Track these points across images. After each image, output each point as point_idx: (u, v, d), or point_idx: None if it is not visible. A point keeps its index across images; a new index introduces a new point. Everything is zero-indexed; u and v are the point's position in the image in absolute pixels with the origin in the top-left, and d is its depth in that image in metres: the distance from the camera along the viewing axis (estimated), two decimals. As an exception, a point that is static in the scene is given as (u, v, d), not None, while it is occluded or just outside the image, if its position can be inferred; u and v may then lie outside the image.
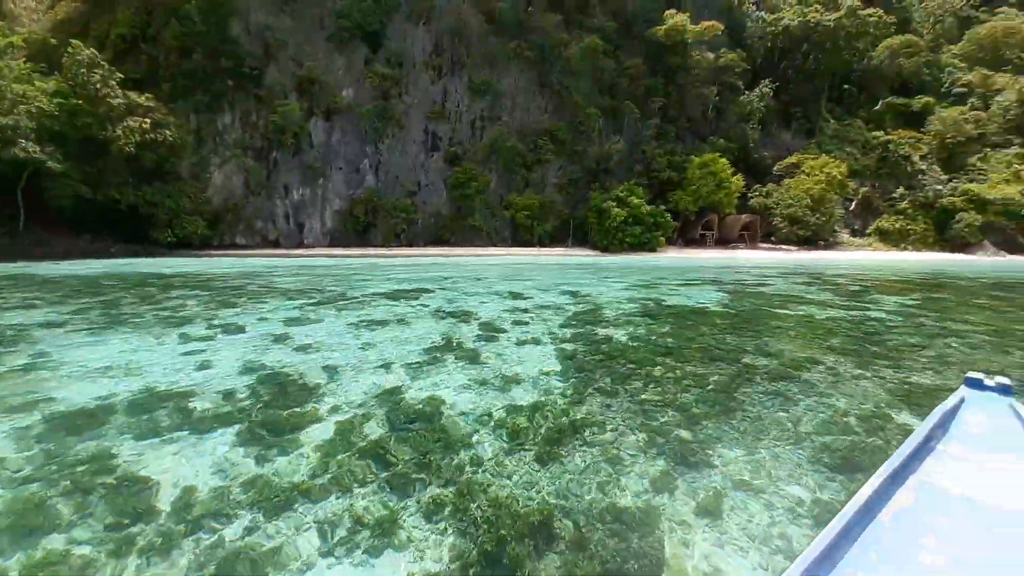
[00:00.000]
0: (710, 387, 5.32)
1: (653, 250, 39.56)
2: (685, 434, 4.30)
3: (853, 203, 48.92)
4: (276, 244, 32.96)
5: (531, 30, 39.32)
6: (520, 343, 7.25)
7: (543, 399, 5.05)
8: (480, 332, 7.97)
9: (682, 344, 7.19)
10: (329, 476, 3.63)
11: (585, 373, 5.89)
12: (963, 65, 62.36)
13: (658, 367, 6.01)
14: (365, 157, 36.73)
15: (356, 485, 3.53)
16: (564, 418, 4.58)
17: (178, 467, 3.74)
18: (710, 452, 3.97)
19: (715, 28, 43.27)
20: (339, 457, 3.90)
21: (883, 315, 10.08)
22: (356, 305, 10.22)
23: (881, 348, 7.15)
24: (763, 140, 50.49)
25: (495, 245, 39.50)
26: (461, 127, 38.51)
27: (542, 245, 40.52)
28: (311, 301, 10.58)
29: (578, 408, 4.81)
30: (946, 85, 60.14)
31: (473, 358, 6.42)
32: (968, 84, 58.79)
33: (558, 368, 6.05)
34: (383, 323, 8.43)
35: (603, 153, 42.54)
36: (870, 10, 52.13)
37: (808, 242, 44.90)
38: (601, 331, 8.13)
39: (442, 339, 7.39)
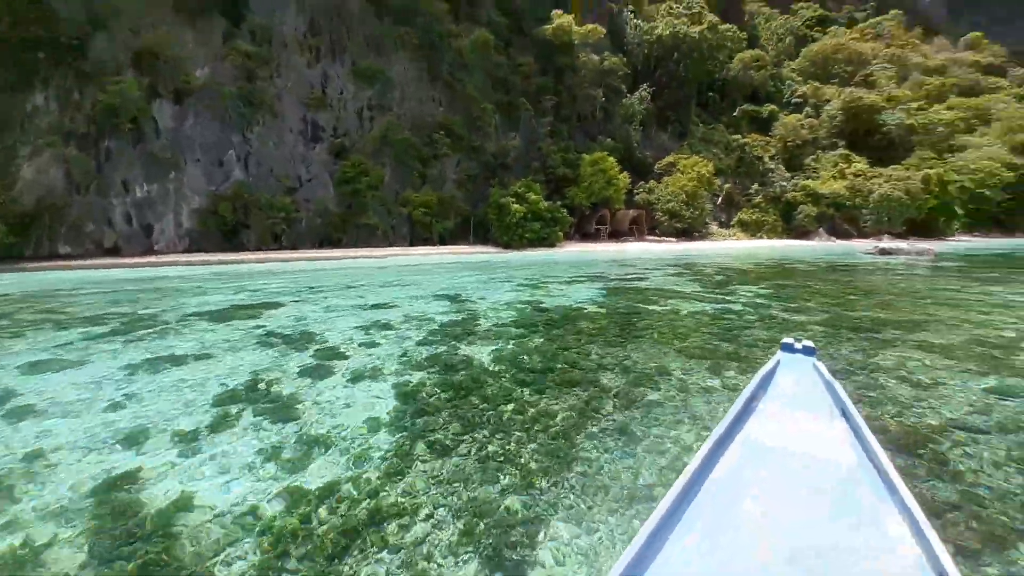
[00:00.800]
0: (557, 429, 4.45)
1: (553, 245, 40.08)
2: (515, 505, 3.34)
3: (719, 198, 54.37)
4: (116, 251, 27.23)
5: (418, 15, 37.13)
6: (356, 378, 5.87)
7: (351, 473, 3.78)
8: (312, 363, 6.42)
9: (545, 364, 6.37)
10: None
11: (423, 420, 4.72)
12: (799, 79, 72.67)
13: (511, 404, 5.05)
14: (230, 147, 31.93)
15: None
16: (366, 505, 3.36)
17: None
18: (537, 537, 3.02)
19: (598, 31, 44.76)
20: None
21: (740, 307, 10.41)
22: (160, 333, 7.95)
23: (734, 345, 7.02)
24: (644, 141, 53.86)
25: (393, 245, 37.07)
26: (346, 116, 35.19)
27: (443, 243, 38.99)
28: (97, 331, 8.04)
29: (393, 484, 3.62)
30: (787, 96, 69.57)
31: (280, 410, 4.90)
32: (803, 95, 68.60)
33: (390, 416, 4.81)
34: (179, 360, 6.45)
35: (501, 149, 42.01)
36: (726, 26, 58.05)
37: (685, 233, 48.96)
38: (464, 350, 7.05)
39: (251, 380, 5.72)
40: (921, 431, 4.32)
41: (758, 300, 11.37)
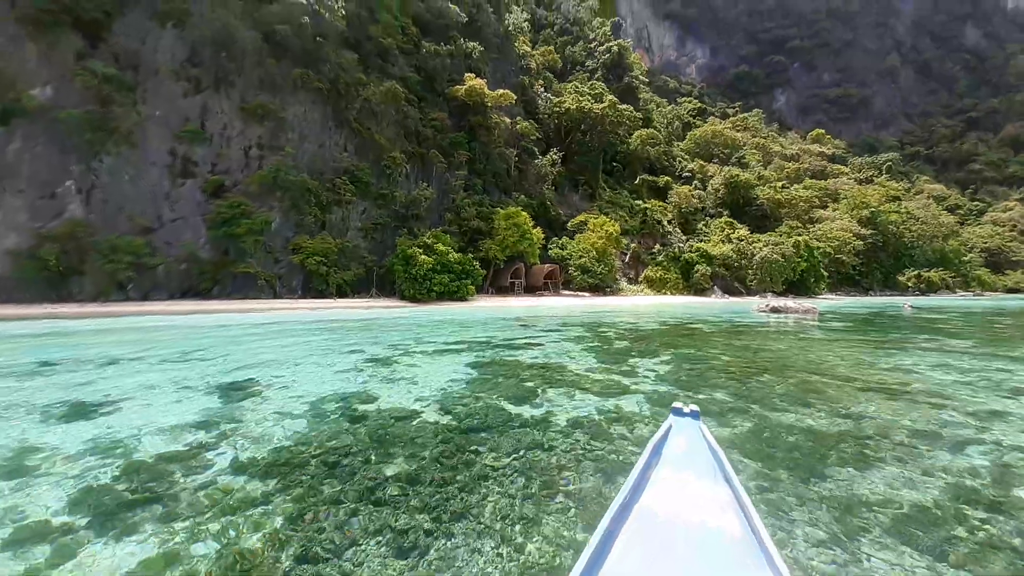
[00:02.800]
0: None
1: (464, 299, 36.42)
2: None
3: (627, 256, 55.14)
4: None
5: (322, 61, 33.94)
6: None
7: None
8: None
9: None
10: None
11: None
12: (687, 157, 79.68)
13: None
14: (68, 178, 25.31)
15: None
16: None
17: None
18: None
19: (509, 97, 44.70)
20: None
21: (636, 405, 7.21)
22: None
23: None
24: (558, 199, 53.92)
25: (280, 297, 31.19)
26: (229, 153, 30.03)
27: (342, 296, 33.74)
28: None
29: None
30: (678, 170, 75.47)
31: None
32: (692, 170, 74.78)
33: None
34: None
35: (412, 199, 38.75)
36: (624, 106, 62.10)
37: (598, 288, 48.08)
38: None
39: None
40: None
41: (660, 387, 8.31)
